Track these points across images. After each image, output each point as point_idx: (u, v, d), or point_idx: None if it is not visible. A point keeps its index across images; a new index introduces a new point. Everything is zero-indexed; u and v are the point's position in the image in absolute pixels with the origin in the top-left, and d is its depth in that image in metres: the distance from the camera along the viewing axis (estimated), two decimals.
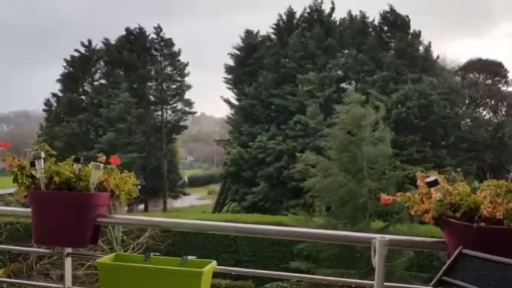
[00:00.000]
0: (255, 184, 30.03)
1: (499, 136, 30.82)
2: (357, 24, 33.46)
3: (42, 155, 2.53)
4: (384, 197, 2.36)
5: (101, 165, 2.59)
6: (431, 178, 2.21)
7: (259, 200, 28.87)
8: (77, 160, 2.62)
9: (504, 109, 34.35)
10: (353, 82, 32.26)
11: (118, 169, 2.71)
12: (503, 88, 34.66)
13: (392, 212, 17.64)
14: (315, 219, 17.92)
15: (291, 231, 2.49)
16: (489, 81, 34.72)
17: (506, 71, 34.29)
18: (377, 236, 2.04)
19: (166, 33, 36.94)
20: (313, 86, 30.74)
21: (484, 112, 34.85)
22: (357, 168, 16.84)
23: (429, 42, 32.77)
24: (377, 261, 2.02)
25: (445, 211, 2.08)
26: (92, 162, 2.57)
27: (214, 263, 2.37)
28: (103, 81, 36.41)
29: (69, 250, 2.66)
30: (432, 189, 2.20)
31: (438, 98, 29.15)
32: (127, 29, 36.52)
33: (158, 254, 2.48)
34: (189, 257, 2.39)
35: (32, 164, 2.54)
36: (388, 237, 2.05)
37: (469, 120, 32.79)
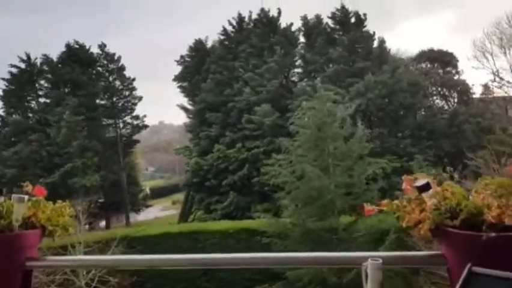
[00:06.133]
0: (219, 193, 29.54)
1: (456, 124, 31.62)
2: (307, 24, 33.76)
3: None
4: (367, 207, 2.03)
5: (26, 197, 2.12)
6: (422, 182, 1.89)
7: (227, 210, 28.39)
8: None
9: (456, 97, 35.37)
10: (306, 78, 32.41)
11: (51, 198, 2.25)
12: (455, 77, 35.75)
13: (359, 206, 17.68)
14: (283, 220, 17.63)
15: (269, 258, 2.09)
16: (440, 71, 35.69)
17: (456, 60, 35.42)
18: (369, 256, 1.69)
19: (110, 49, 36.70)
20: (263, 83, 30.72)
21: (437, 101, 35.76)
22: (324, 165, 16.72)
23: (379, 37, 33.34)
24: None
25: (444, 220, 1.76)
26: (13, 195, 2.10)
27: None
28: (47, 99, 35.23)
29: None
30: (424, 195, 1.89)
31: (392, 89, 29.57)
32: (67, 45, 35.68)
33: None
34: None
35: None
36: (382, 256, 1.70)
37: (423, 110, 33.50)
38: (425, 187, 1.88)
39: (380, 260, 1.67)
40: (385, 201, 2.00)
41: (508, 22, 31.80)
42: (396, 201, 1.94)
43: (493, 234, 1.64)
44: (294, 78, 33.41)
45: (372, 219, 17.54)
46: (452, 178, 34.28)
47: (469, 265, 1.58)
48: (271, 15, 34.48)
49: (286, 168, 17.78)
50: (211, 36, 35.83)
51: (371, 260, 1.66)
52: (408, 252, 1.98)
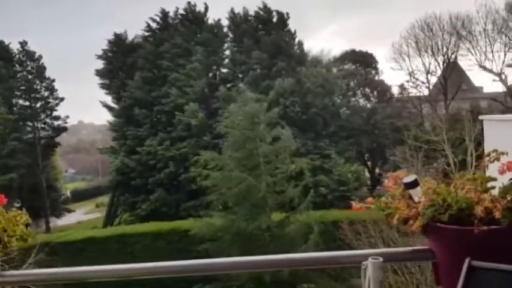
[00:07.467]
0: (146, 192, 28.68)
1: (372, 122, 33.28)
2: (235, 21, 33.67)
3: None
4: (355, 205, 2.01)
5: None
6: (410, 178, 1.91)
7: (155, 208, 27.64)
8: None
9: (376, 96, 37.23)
10: (233, 78, 32.40)
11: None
12: (376, 78, 37.65)
13: (289, 203, 18.05)
14: (214, 220, 17.53)
15: (256, 261, 2.00)
16: (362, 71, 37.37)
17: (376, 61, 37.31)
18: (369, 254, 1.66)
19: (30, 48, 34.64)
20: (189, 83, 30.27)
21: (361, 100, 37.42)
22: (253, 164, 16.85)
23: (297, 38, 33.96)
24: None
25: (437, 216, 1.78)
26: None
27: None
28: None
29: None
30: (411, 191, 1.90)
31: (313, 90, 30.36)
32: None
33: None
34: None
35: None
36: (381, 253, 1.68)
37: (346, 109, 34.86)
38: (413, 184, 1.90)
39: (381, 259, 1.65)
40: (370, 199, 1.99)
41: (419, 27, 34.18)
42: (383, 199, 1.95)
43: (485, 228, 1.68)
44: (223, 76, 33.17)
45: (302, 215, 18.02)
46: (372, 172, 35.98)
47: (468, 259, 1.61)
48: (197, 10, 33.91)
49: (216, 168, 17.70)
50: (131, 32, 34.47)
51: (371, 259, 1.64)
52: (402, 248, 1.99)
